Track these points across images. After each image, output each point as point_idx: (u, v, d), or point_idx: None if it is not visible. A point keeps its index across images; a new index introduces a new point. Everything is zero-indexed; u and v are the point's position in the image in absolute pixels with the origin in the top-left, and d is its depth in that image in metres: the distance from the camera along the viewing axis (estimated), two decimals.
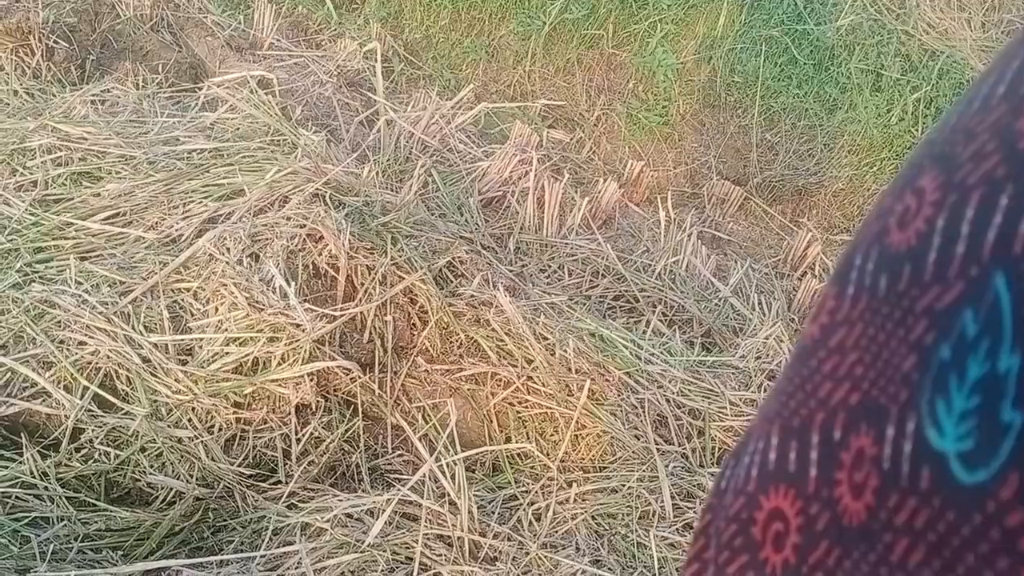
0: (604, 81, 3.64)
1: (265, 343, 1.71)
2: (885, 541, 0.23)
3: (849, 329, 0.27)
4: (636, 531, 1.79)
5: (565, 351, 1.92)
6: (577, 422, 1.89)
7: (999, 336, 0.20)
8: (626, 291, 2.64)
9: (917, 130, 3.18)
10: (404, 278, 1.91)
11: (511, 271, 2.54)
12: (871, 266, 0.26)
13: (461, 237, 2.58)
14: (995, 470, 0.19)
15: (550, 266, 2.70)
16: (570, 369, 1.92)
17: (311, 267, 1.87)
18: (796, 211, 3.32)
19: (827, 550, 0.25)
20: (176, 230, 2.05)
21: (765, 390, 2.08)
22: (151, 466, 1.65)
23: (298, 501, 1.71)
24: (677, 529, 1.78)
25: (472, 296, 2.03)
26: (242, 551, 1.62)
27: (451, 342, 1.99)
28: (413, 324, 2.01)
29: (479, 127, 3.36)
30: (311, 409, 1.78)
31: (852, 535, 0.24)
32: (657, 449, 1.89)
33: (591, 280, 2.68)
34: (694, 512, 1.79)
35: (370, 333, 1.94)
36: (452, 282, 2.14)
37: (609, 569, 1.72)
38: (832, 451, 0.26)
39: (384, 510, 1.65)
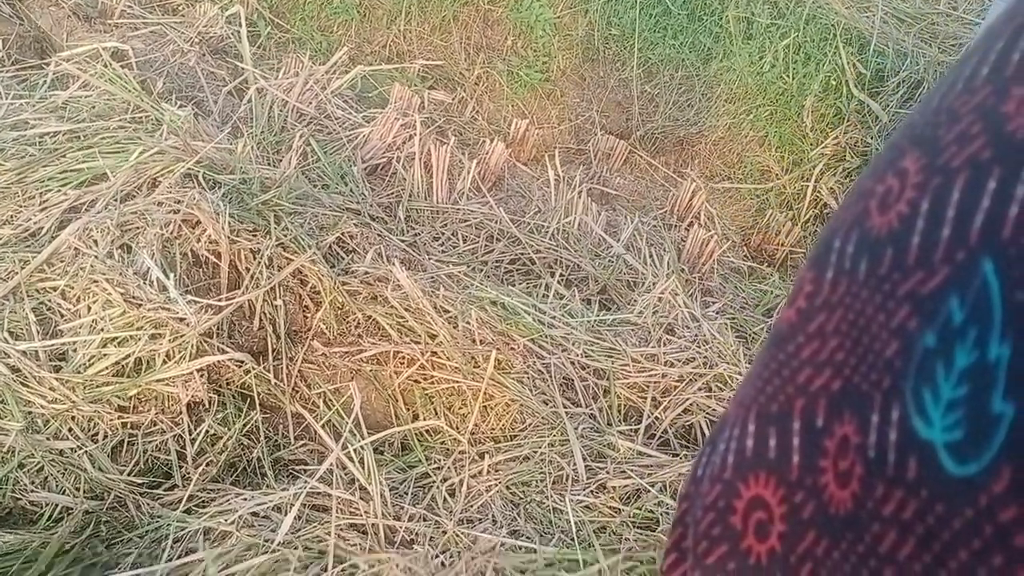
0: (482, 38, 3.57)
1: (147, 341, 1.59)
2: (873, 531, 0.22)
3: (829, 314, 0.26)
4: (551, 497, 1.78)
5: (468, 323, 1.88)
6: (485, 393, 1.86)
7: (988, 323, 0.19)
8: (522, 254, 2.61)
9: (789, 76, 3.26)
10: (292, 260, 1.81)
11: (403, 241, 2.46)
12: (851, 249, 0.25)
13: (347, 209, 2.48)
14: (987, 463, 0.19)
15: (443, 233, 2.63)
16: (474, 341, 1.88)
17: (190, 255, 1.74)
18: (679, 161, 3.37)
19: (815, 539, 0.24)
20: (34, 223, 1.87)
21: (664, 344, 2.11)
22: (32, 483, 1.52)
23: (198, 504, 1.61)
24: (591, 491, 1.79)
25: (366, 273, 1.96)
26: (141, 564, 1.52)
27: (348, 323, 1.91)
28: (305, 307, 1.92)
29: (356, 91, 3.23)
30: (204, 406, 1.67)
31: (839, 524, 0.23)
32: (566, 412, 1.89)
33: (486, 245, 2.64)
34: (606, 472, 1.80)
35: (260, 320, 1.84)
36: (343, 259, 2.06)
37: (527, 538, 1.71)
38: (815, 438, 0.25)
39: (292, 505, 1.58)
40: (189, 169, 1.98)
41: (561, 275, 2.60)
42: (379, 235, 2.22)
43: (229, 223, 1.77)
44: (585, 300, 2.54)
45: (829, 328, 0.26)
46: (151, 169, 1.99)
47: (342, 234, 2.03)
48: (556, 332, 1.97)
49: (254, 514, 1.59)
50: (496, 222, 2.69)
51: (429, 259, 2.35)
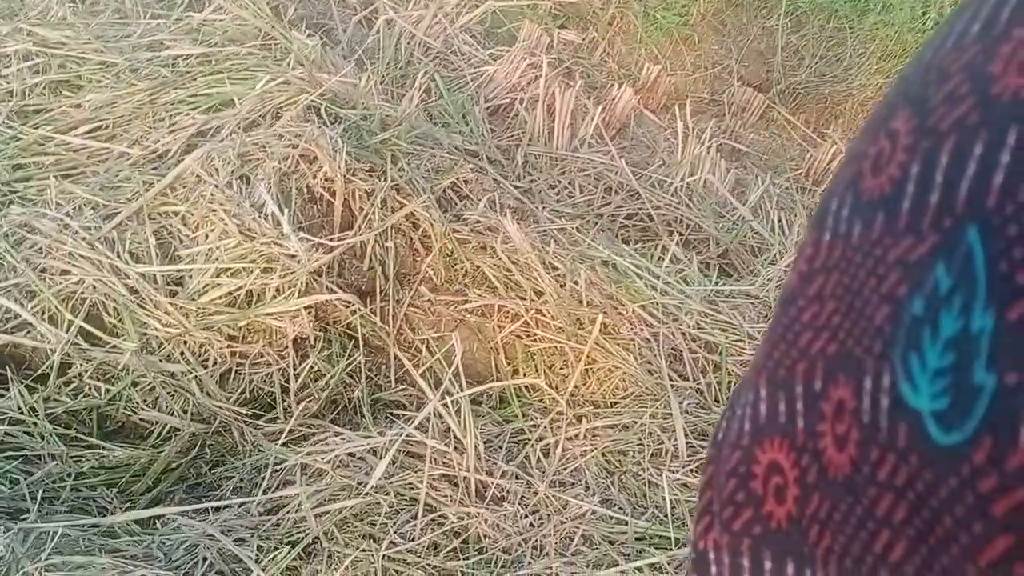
0: None
1: (258, 275, 1.60)
2: (870, 495, 0.22)
3: (826, 277, 0.26)
4: (648, 470, 1.73)
5: (576, 282, 1.82)
6: (588, 356, 1.80)
7: (973, 292, 0.20)
8: (640, 209, 2.51)
9: None
10: (405, 203, 1.78)
11: (519, 188, 2.40)
12: (845, 212, 0.25)
13: (466, 151, 2.44)
14: (969, 433, 0.19)
15: (560, 181, 2.56)
16: (581, 302, 1.82)
17: (305, 191, 1.74)
18: (820, 121, 3.15)
19: (819, 502, 0.25)
20: (162, 145, 1.91)
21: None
22: (144, 401, 1.58)
23: (298, 438, 1.64)
24: (691, 470, 1.72)
25: (478, 221, 1.91)
26: (241, 490, 1.56)
27: (455, 270, 1.88)
28: (415, 250, 1.90)
29: (485, 27, 3.15)
30: (309, 343, 1.69)
31: (839, 488, 0.24)
32: (671, 385, 1.81)
33: (604, 197, 2.55)
34: (707, 450, 1.73)
35: (370, 260, 1.84)
36: (456, 204, 2.02)
37: (619, 508, 1.67)
38: (814, 402, 0.25)
39: (388, 450, 1.58)
40: (312, 101, 1.97)
41: (680, 235, 2.49)
42: (494, 181, 2.16)
43: (346, 161, 1.76)
44: (703, 263, 2.42)
45: (827, 292, 0.26)
46: (276, 99, 1.99)
47: (457, 179, 1.99)
48: (669, 300, 1.88)
49: (350, 455, 1.60)
50: (616, 173, 2.59)
51: (543, 209, 2.28)
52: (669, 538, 1.62)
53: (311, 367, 1.68)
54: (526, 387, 1.83)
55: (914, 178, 0.23)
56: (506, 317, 1.82)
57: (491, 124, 2.70)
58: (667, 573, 1.55)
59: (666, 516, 1.66)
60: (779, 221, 2.59)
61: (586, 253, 1.94)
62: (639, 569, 1.55)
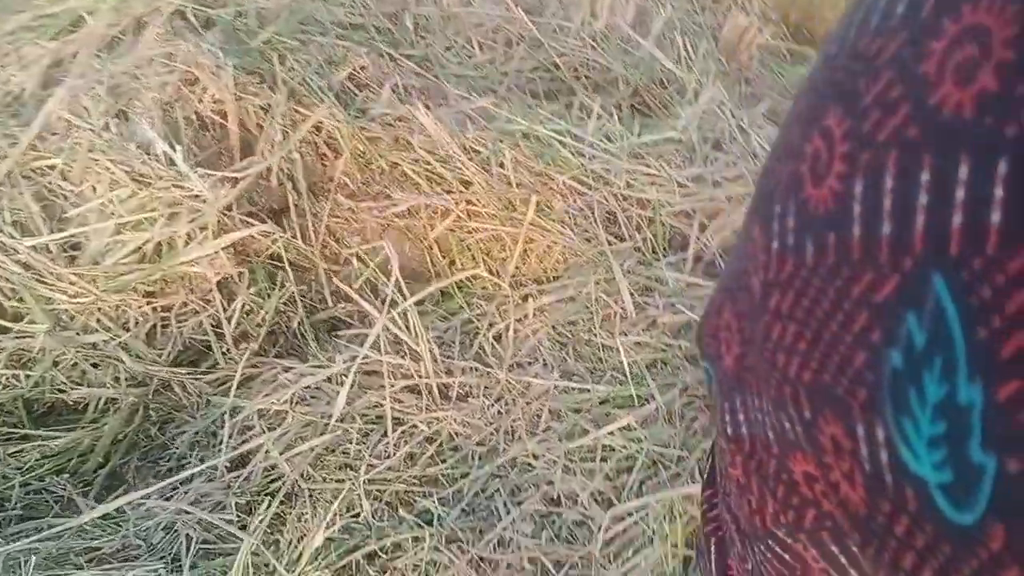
0: None
1: (164, 224, 1.48)
2: (891, 547, 0.21)
3: (782, 294, 0.24)
4: (600, 335, 1.74)
5: (503, 164, 1.74)
6: (526, 236, 1.76)
7: (952, 358, 0.17)
8: (545, 59, 2.39)
9: None
10: (306, 113, 1.64)
11: (413, 56, 2.24)
12: (792, 222, 0.23)
13: (351, 25, 2.24)
14: (979, 515, 0.17)
15: (456, 41, 2.39)
16: (511, 184, 1.75)
17: (194, 119, 1.58)
18: None
19: (849, 530, 0.23)
20: (16, 84, 1.69)
21: (711, 162, 1.96)
22: (70, 380, 1.49)
23: (246, 379, 1.58)
24: (642, 328, 1.74)
25: (386, 113, 1.79)
26: (198, 443, 1.52)
27: (371, 171, 1.78)
28: (323, 155, 1.78)
29: None
30: (234, 281, 1.59)
31: (861, 523, 0.22)
32: (610, 248, 1.80)
33: (505, 51, 2.40)
34: (656, 308, 1.74)
35: (277, 176, 1.71)
36: (357, 96, 1.87)
37: (579, 378, 1.69)
38: (809, 430, 0.23)
39: (346, 377, 1.54)
40: (178, 4, 1.76)
41: (587, 78, 2.39)
42: (391, 60, 2.01)
43: (233, 76, 1.59)
44: (616, 105, 2.36)
45: (784, 310, 0.24)
46: (133, 8, 1.76)
47: (354, 69, 1.83)
48: (597, 164, 1.82)
49: (306, 388, 1.56)
50: (514, 24, 2.44)
51: (440, 75, 2.15)
52: (631, 396, 1.66)
53: (242, 306, 1.60)
54: (467, 278, 1.79)
55: (860, 198, 0.20)
56: (435, 214, 1.75)
57: None
58: (635, 430, 1.60)
59: (624, 376, 1.69)
60: (685, 49, 2.51)
61: (505, 129, 1.85)
62: (610, 433, 1.59)
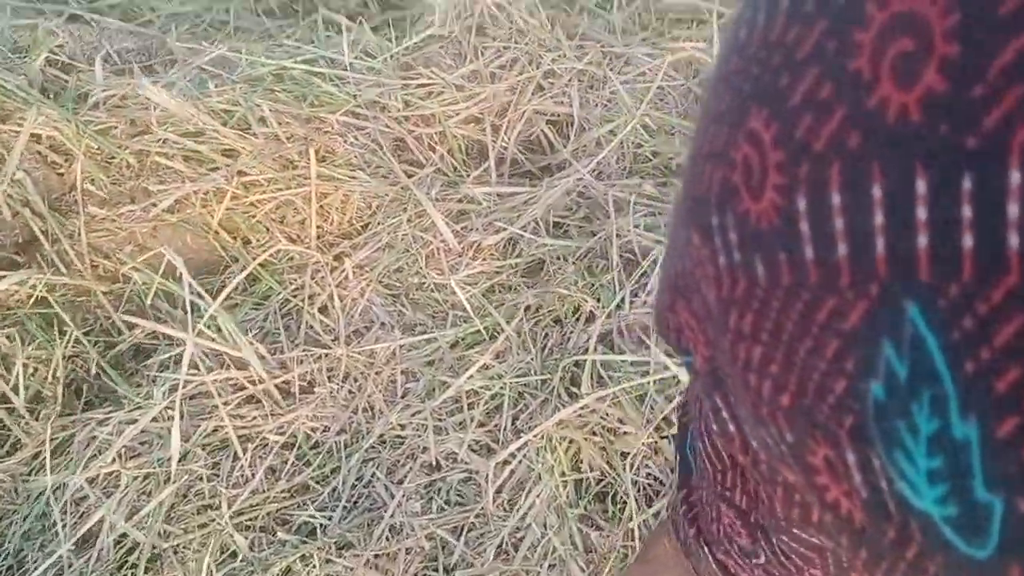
0: None
1: None
2: (901, 569, 0.20)
3: (740, 314, 0.21)
4: (429, 275, 1.65)
5: (263, 119, 1.54)
6: (317, 193, 1.60)
7: (941, 391, 0.16)
8: None
9: None
10: (16, 129, 1.35)
11: (117, 3, 1.91)
12: (733, 237, 0.21)
13: None
14: (992, 551, 0.16)
15: None
16: (279, 138, 1.57)
17: None
18: None
19: (854, 554, 0.22)
20: None
21: (481, 53, 1.84)
22: None
23: (60, 448, 1.38)
24: (469, 257, 1.67)
25: (108, 95, 1.52)
26: (33, 540, 1.32)
27: (117, 169, 1.52)
28: (54, 164, 1.50)
29: None
30: (5, 344, 1.35)
31: (866, 541, 0.21)
32: (411, 178, 1.68)
33: None
34: (476, 231, 1.67)
35: (8, 205, 1.43)
36: (66, 81, 1.57)
37: (423, 328, 1.62)
38: (798, 451, 0.22)
39: (172, 411, 1.38)
40: None
41: None
42: (90, 23, 1.69)
43: None
44: (362, 3, 2.15)
45: (746, 330, 0.21)
46: None
47: (51, 51, 1.52)
48: (367, 91, 1.66)
49: (131, 438, 1.38)
50: None
51: (154, 20, 1.85)
52: (478, 331, 1.61)
53: (25, 369, 1.37)
54: (269, 256, 1.62)
55: (806, 216, 0.18)
56: (207, 196, 1.54)
57: None
58: (493, 367, 1.57)
59: (466, 312, 1.63)
60: None
61: (252, 75, 1.62)
62: (471, 377, 1.54)
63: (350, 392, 1.53)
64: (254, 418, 1.45)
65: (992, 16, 0.14)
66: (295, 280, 1.63)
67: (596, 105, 1.86)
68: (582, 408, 1.44)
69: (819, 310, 0.19)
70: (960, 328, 0.15)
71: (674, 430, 1.48)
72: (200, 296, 1.47)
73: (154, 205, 1.49)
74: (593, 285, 1.58)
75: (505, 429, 1.45)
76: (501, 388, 1.50)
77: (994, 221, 0.14)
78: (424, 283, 1.65)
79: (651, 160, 1.83)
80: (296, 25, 1.91)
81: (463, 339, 1.61)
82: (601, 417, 1.44)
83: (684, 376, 1.49)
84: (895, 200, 0.16)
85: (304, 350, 1.54)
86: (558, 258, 1.64)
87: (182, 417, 1.40)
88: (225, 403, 1.42)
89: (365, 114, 1.64)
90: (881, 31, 0.16)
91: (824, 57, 0.17)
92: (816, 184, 0.18)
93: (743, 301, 0.21)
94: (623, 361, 1.49)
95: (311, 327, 1.58)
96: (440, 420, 1.49)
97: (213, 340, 1.44)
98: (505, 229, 1.65)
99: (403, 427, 1.49)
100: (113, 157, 1.51)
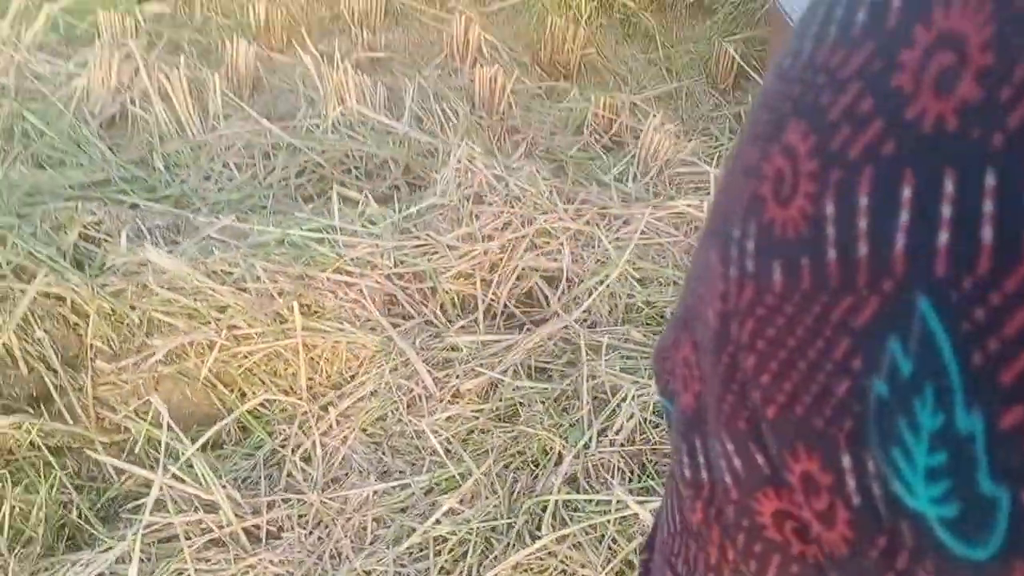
0: None
1: None
2: None
3: (740, 324, 0.22)
4: (410, 423, 1.68)
5: (258, 278, 1.68)
6: (305, 345, 1.69)
7: (946, 385, 0.16)
8: (306, 161, 2.36)
9: None
10: (24, 291, 1.54)
11: (168, 197, 2.17)
12: (751, 246, 0.21)
13: (93, 183, 2.16)
14: (995, 551, 0.16)
15: (212, 169, 2.34)
16: (271, 295, 1.69)
17: None
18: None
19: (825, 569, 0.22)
20: None
21: (476, 217, 1.96)
22: None
23: None
24: (448, 402, 1.69)
25: (124, 263, 1.70)
26: None
27: (126, 327, 1.67)
28: (73, 325, 1.67)
29: (60, 34, 2.75)
30: None
31: (841, 564, 0.21)
32: (397, 329, 1.75)
33: (265, 165, 2.36)
34: (456, 377, 1.70)
35: (25, 362, 1.59)
36: (96, 253, 1.78)
37: (398, 474, 1.62)
38: (777, 470, 0.22)
39: (132, 551, 1.42)
40: None
41: (357, 169, 2.38)
42: (131, 206, 1.93)
43: None
44: (393, 187, 2.34)
45: (744, 340, 0.22)
46: None
47: (85, 226, 1.74)
48: (359, 251, 1.78)
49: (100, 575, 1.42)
50: (266, 135, 2.40)
51: (201, 207, 2.08)
52: (453, 477, 1.59)
53: (12, 509, 1.45)
54: (260, 405, 1.70)
55: (832, 220, 0.19)
56: (202, 349, 1.66)
57: (111, 140, 2.40)
58: (461, 512, 1.53)
59: (442, 458, 1.63)
60: (443, 115, 2.54)
61: (257, 242, 1.79)
62: (437, 522, 1.52)
63: (319, 538, 1.52)
64: (218, 561, 1.46)
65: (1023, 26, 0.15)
66: (284, 431, 1.69)
67: (588, 260, 1.92)
68: (540, 551, 1.38)
69: (835, 310, 0.19)
70: (971, 319, 0.16)
71: (635, 573, 1.38)
72: (180, 442, 1.54)
73: (151, 356, 1.61)
74: (561, 425, 1.56)
75: (469, 575, 1.40)
76: (467, 532, 1.46)
77: (1014, 213, 0.15)
78: (406, 430, 1.67)
79: (644, 309, 1.85)
80: (316, 203, 2.11)
81: (437, 484, 1.60)
82: (560, 561, 1.38)
83: (645, 514, 1.41)
84: (922, 200, 0.17)
85: (280, 497, 1.56)
86: (533, 401, 1.64)
87: (148, 560, 1.44)
88: (191, 545, 1.45)
89: (355, 271, 1.76)
90: (925, 49, 0.17)
91: (868, 75, 0.18)
92: (846, 187, 0.19)
93: (746, 310, 0.22)
94: (588, 500, 1.43)
95: (292, 475, 1.62)
96: (403, 566, 1.45)
97: (184, 482, 1.49)
98: (484, 373, 1.68)
99: (368, 573, 1.46)
100: (122, 316, 1.67)
